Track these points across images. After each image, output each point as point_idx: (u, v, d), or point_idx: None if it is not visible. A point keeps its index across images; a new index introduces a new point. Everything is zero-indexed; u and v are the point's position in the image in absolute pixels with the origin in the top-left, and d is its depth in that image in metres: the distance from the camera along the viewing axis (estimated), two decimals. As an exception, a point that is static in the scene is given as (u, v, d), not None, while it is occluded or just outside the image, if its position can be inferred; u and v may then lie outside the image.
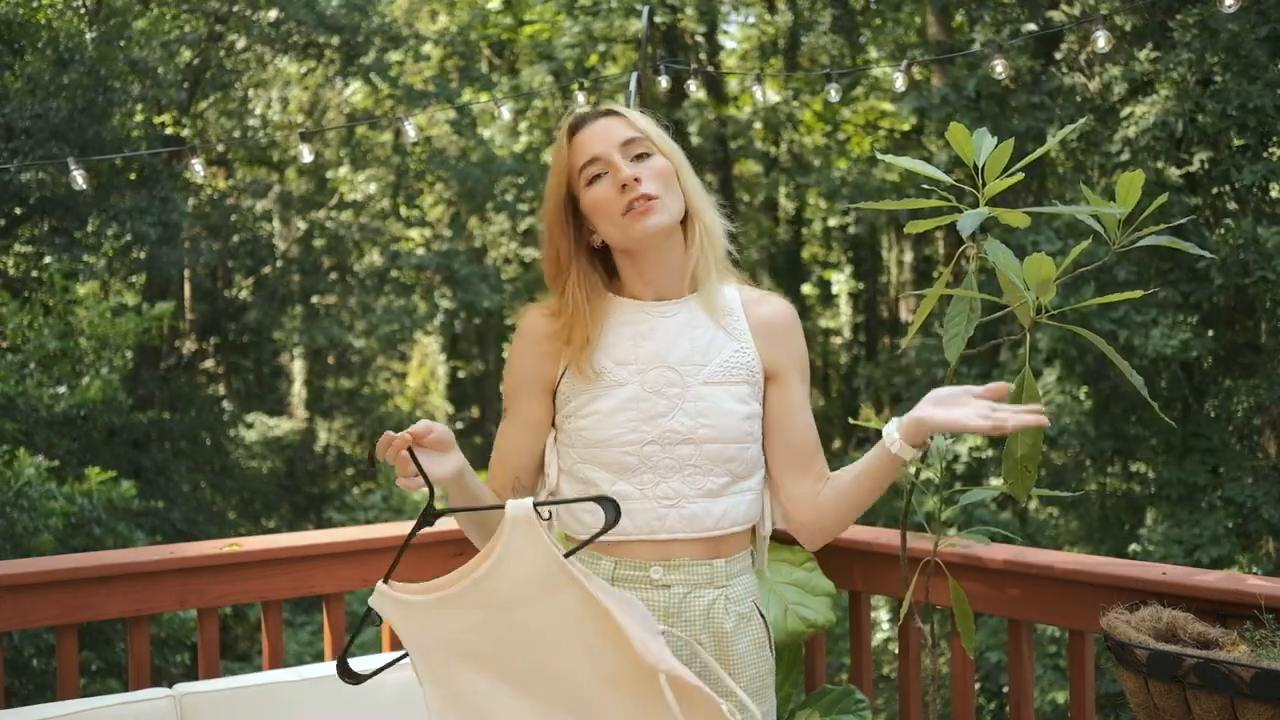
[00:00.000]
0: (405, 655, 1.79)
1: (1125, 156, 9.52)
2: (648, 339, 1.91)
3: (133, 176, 10.37)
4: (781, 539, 2.56)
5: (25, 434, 8.69)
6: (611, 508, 1.62)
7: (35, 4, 9.52)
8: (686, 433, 1.87)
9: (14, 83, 9.27)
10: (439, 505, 1.72)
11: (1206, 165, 9.30)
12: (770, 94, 13.52)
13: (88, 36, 9.78)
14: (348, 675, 1.72)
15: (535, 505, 1.60)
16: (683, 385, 1.89)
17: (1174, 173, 9.41)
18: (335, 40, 12.00)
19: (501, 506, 1.62)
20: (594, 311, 1.92)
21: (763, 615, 1.97)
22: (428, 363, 17.29)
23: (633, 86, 3.51)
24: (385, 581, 1.68)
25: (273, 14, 11.61)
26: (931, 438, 2.17)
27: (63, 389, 8.54)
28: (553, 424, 1.98)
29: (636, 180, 1.85)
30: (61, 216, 9.90)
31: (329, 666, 2.44)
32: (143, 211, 9.95)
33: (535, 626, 1.63)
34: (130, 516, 8.79)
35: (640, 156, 1.89)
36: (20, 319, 8.62)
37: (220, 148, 12.50)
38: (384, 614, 1.68)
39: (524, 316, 2.03)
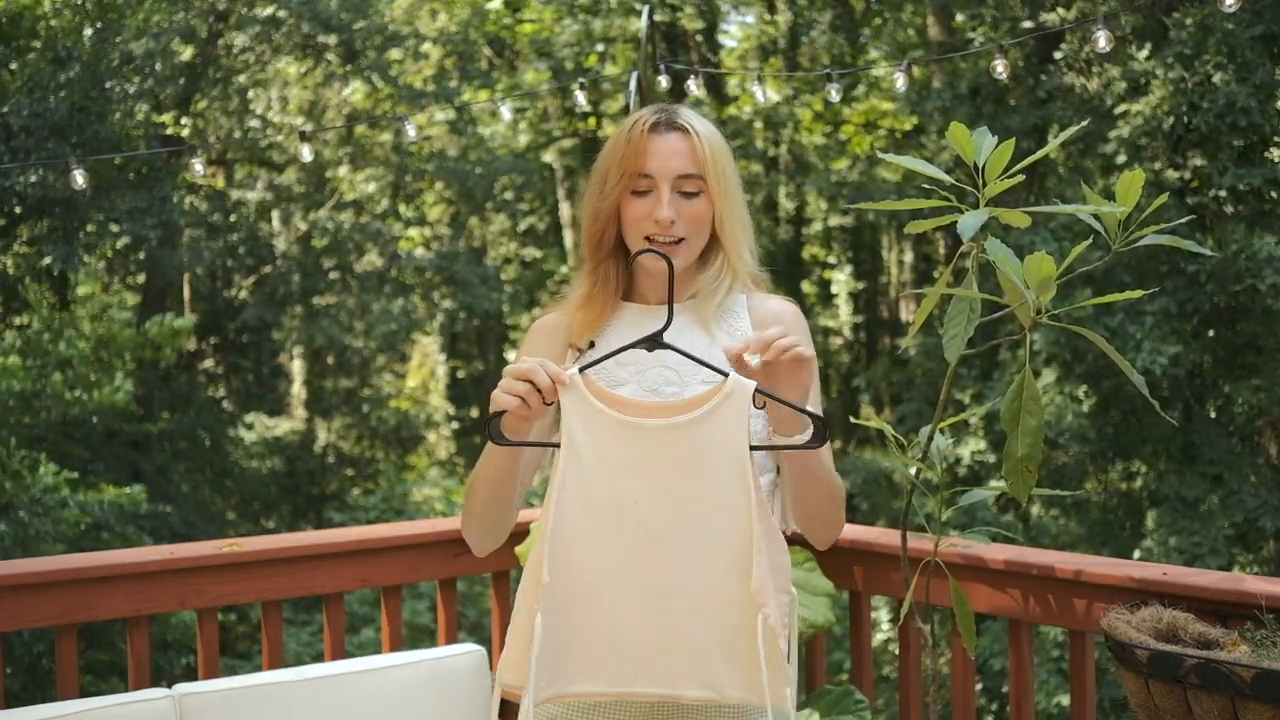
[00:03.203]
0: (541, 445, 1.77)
1: (1122, 158, 9.51)
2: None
3: (132, 176, 10.36)
4: (786, 540, 2.56)
5: (38, 438, 8.73)
6: (822, 425, 1.65)
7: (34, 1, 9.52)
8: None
9: (13, 82, 9.27)
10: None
11: (1203, 167, 9.30)
12: (770, 94, 13.51)
13: (86, 33, 9.77)
14: (499, 437, 1.67)
15: (756, 390, 1.61)
16: (680, 384, 1.90)
17: (1171, 175, 9.41)
18: (334, 40, 11.98)
19: (725, 374, 1.63)
20: (607, 305, 1.98)
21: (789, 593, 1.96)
22: (427, 363, 17.29)
23: (633, 86, 3.51)
24: (582, 372, 1.65)
25: (270, 10, 11.57)
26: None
27: (79, 393, 8.57)
28: (556, 422, 1.99)
29: (672, 223, 1.90)
30: (61, 216, 9.90)
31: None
32: (143, 211, 9.94)
33: (684, 498, 1.62)
34: (136, 521, 8.81)
35: (688, 194, 1.92)
36: (36, 319, 8.65)
37: (219, 148, 12.50)
38: (564, 400, 1.63)
39: (537, 318, 2.08)
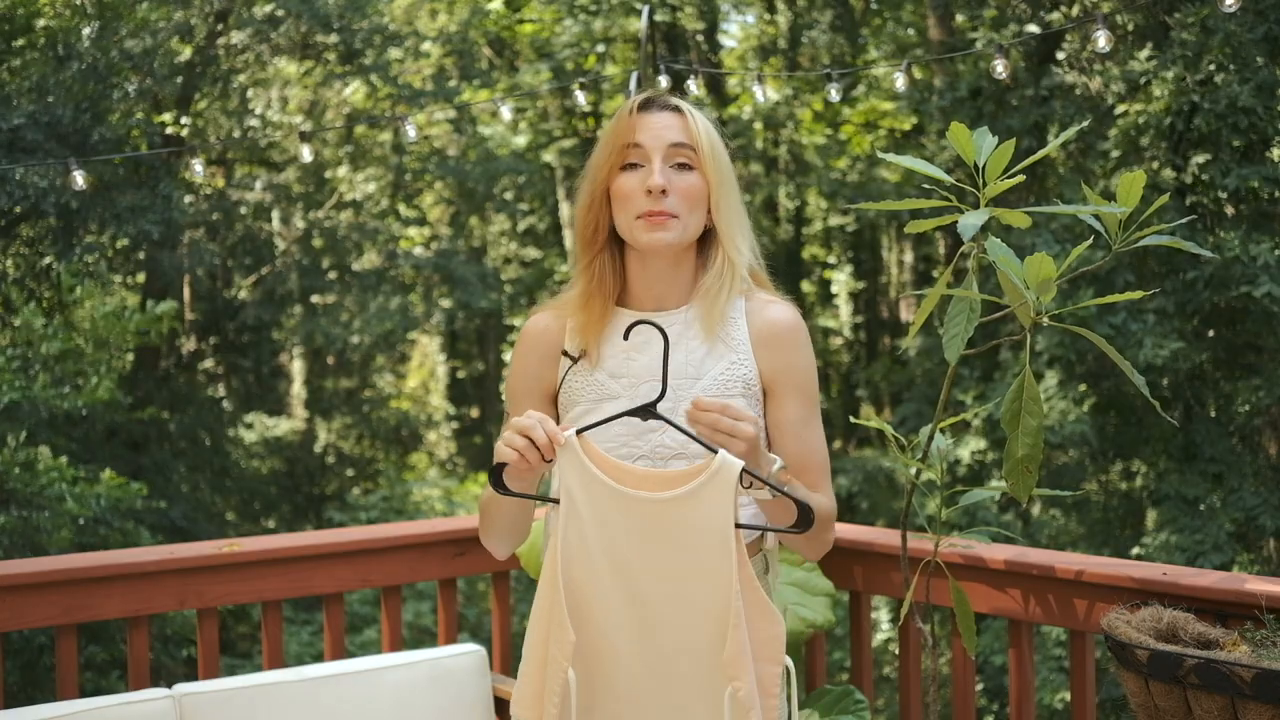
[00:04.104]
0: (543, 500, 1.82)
1: (1118, 153, 9.51)
2: (641, 352, 1.89)
3: (132, 176, 10.36)
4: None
5: (31, 435, 8.72)
6: (807, 514, 1.66)
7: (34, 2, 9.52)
8: (678, 447, 1.85)
9: (12, 81, 9.27)
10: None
11: (1204, 167, 9.30)
12: (770, 94, 13.52)
13: (85, 33, 9.77)
14: (499, 486, 1.73)
15: (743, 470, 1.62)
16: (675, 399, 1.86)
17: (1169, 174, 9.41)
18: (333, 39, 11.98)
19: (715, 451, 1.64)
20: (605, 307, 1.93)
21: None
22: (427, 363, 17.29)
23: (633, 86, 3.52)
24: (579, 434, 1.69)
25: (268, 9, 11.55)
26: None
27: (67, 389, 8.58)
28: None
29: (664, 192, 1.84)
30: (61, 216, 9.90)
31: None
32: (143, 211, 9.94)
33: (669, 568, 1.65)
34: (134, 517, 8.81)
35: (680, 166, 1.87)
36: (25, 318, 8.66)
37: (219, 148, 12.50)
38: (561, 459, 1.68)
39: (528, 320, 2.03)
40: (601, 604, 1.67)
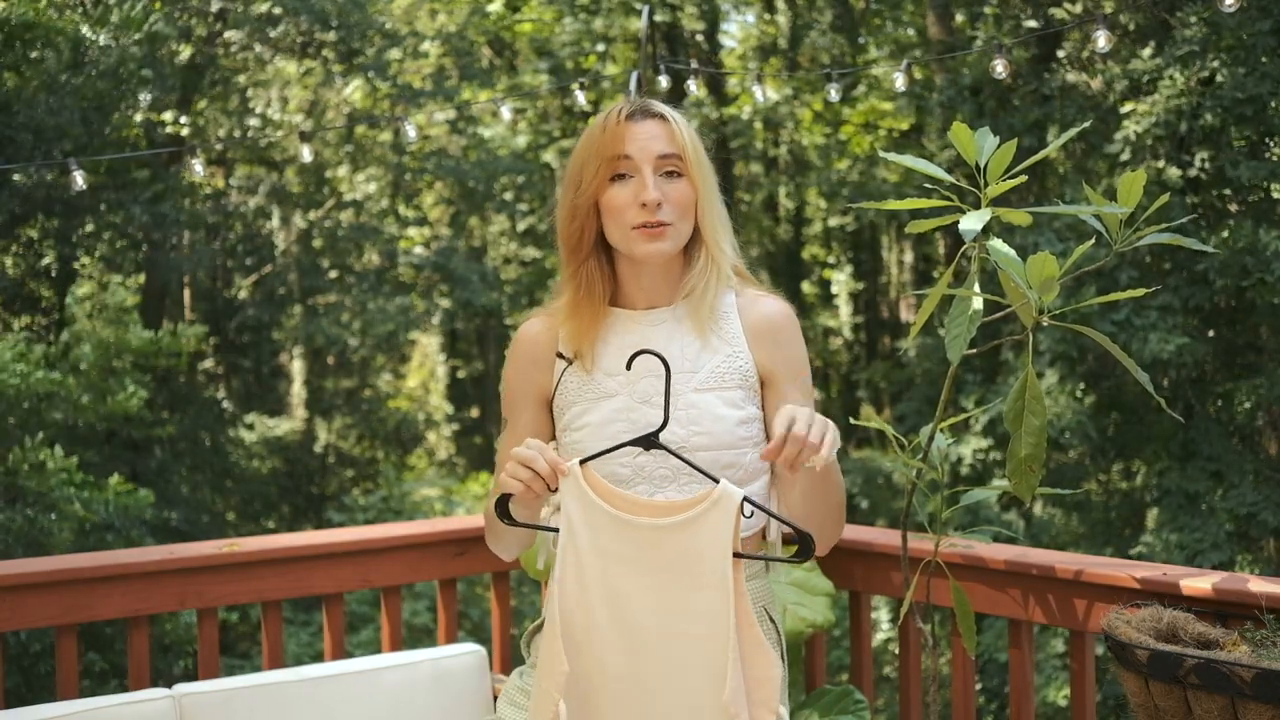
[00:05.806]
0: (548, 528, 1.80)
1: (1125, 156, 9.51)
2: (637, 349, 1.92)
3: (133, 176, 10.36)
4: (785, 540, 2.56)
5: (50, 441, 8.73)
6: (810, 542, 1.64)
7: (39, 4, 9.52)
8: (679, 441, 1.86)
9: (12, 79, 9.26)
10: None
11: (1207, 165, 9.29)
12: (770, 94, 13.52)
13: (89, 35, 9.77)
14: (506, 516, 1.75)
15: (744, 499, 1.61)
16: (674, 392, 1.88)
17: (1174, 173, 9.40)
18: (332, 38, 11.97)
19: (717, 481, 1.63)
20: (596, 312, 1.95)
21: (774, 621, 1.95)
22: (427, 363, 17.29)
23: (633, 86, 3.51)
24: (582, 464, 1.70)
25: (265, 7, 11.53)
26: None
27: (90, 398, 8.60)
28: (553, 436, 1.99)
29: (658, 205, 1.86)
30: (62, 215, 9.89)
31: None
32: (143, 211, 9.94)
33: (664, 600, 1.63)
34: (143, 525, 8.80)
35: (670, 174, 1.89)
36: (57, 322, 8.68)
37: (219, 147, 12.49)
38: (564, 487, 1.69)
39: (521, 326, 2.05)
40: (595, 635, 1.66)
